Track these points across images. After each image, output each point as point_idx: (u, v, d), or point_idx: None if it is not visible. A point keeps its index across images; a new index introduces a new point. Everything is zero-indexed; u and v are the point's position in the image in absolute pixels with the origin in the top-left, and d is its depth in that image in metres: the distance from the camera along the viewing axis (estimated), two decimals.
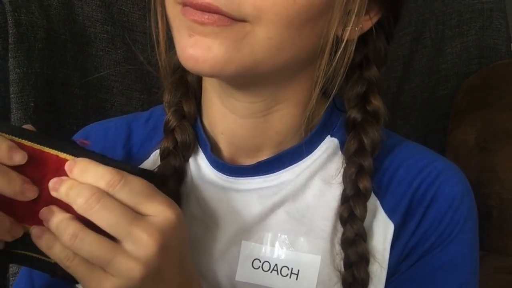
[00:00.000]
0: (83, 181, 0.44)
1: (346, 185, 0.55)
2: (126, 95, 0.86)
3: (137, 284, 0.43)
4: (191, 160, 0.59)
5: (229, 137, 0.57)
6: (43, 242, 0.44)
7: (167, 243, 0.44)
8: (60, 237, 0.44)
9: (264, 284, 0.56)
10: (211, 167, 0.58)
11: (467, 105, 0.94)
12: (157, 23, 0.55)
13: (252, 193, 0.57)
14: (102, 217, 0.43)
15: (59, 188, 0.44)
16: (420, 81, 0.98)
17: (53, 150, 0.45)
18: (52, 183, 0.45)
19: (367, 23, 0.53)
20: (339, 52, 0.50)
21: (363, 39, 0.55)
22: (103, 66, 0.84)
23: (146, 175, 0.47)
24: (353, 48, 0.51)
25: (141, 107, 0.86)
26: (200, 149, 0.59)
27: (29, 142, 0.45)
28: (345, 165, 0.56)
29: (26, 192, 0.44)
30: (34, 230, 0.45)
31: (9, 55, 0.74)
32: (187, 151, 0.58)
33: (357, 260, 0.54)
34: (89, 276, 0.44)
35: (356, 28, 0.51)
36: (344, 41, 0.50)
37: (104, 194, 0.43)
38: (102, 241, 0.43)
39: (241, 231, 0.56)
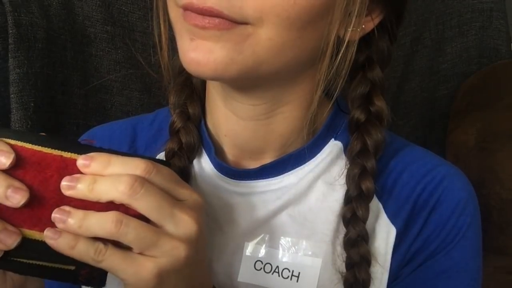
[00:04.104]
0: (109, 173, 0.43)
1: (349, 186, 0.55)
2: (126, 95, 0.85)
3: (181, 263, 0.44)
4: (195, 162, 0.59)
5: (232, 139, 0.57)
6: (62, 243, 0.42)
7: (201, 224, 0.46)
8: (93, 232, 0.42)
9: (265, 286, 0.56)
10: (215, 170, 0.58)
11: (467, 105, 0.93)
12: (159, 26, 0.55)
13: (255, 197, 0.57)
14: (145, 201, 0.43)
15: (76, 185, 0.43)
16: (420, 81, 0.98)
17: (56, 151, 0.44)
18: (66, 181, 0.43)
19: (369, 24, 0.53)
20: (341, 53, 0.50)
21: (366, 40, 0.55)
22: (103, 66, 0.83)
23: (164, 165, 0.47)
24: (355, 49, 0.50)
25: (141, 107, 0.86)
26: (204, 151, 0.59)
27: (30, 144, 0.44)
28: (348, 166, 0.56)
29: (10, 197, 0.42)
30: (49, 233, 0.42)
31: (9, 55, 0.74)
32: (191, 153, 0.58)
33: (359, 261, 0.54)
34: (127, 263, 0.43)
35: (358, 29, 0.51)
36: (346, 42, 0.50)
37: (145, 181, 0.43)
38: (145, 224, 0.43)
39: (244, 233, 0.57)
